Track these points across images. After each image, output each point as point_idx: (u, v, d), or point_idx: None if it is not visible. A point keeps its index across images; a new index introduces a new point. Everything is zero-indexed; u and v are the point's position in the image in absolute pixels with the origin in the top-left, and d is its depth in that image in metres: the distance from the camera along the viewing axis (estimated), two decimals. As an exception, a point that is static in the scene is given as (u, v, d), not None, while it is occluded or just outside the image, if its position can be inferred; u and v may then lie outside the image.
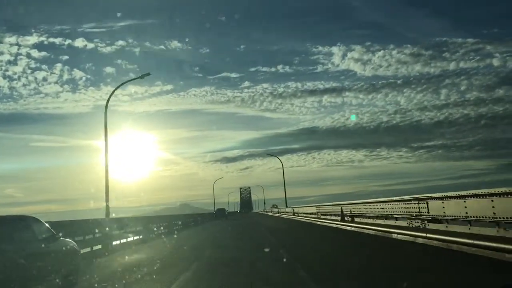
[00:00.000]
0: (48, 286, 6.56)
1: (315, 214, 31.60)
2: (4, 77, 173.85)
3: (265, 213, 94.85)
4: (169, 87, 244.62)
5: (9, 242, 5.95)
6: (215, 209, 67.21)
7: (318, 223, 26.06)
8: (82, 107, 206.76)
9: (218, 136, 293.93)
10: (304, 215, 36.81)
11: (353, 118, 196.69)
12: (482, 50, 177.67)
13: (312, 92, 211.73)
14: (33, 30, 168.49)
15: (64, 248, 7.31)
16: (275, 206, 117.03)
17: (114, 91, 20.10)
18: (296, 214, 42.20)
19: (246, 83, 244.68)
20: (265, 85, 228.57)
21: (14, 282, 5.61)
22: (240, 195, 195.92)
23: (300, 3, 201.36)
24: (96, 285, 7.79)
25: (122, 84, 21.54)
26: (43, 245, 6.60)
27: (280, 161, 59.29)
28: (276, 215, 61.04)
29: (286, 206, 55.84)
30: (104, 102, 19.25)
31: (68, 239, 7.92)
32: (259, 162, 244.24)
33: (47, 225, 7.09)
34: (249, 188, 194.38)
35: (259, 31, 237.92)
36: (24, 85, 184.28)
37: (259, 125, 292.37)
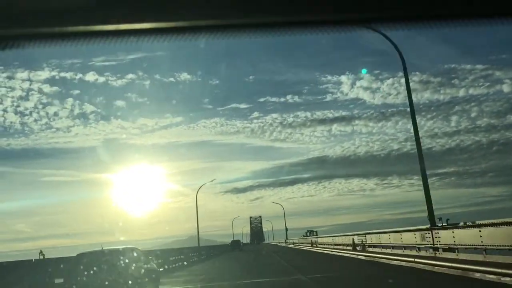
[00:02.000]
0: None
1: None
2: (16, 112, 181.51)
3: (292, 245, 61.80)
4: (179, 119, 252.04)
5: (130, 263, 9.89)
6: (197, 244, 61.84)
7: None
8: (92, 141, 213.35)
9: (228, 167, 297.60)
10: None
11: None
12: (491, 76, 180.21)
13: (322, 121, 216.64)
14: (44, 65, 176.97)
15: (152, 267, 11.23)
16: (311, 233, 78.80)
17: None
18: None
19: (256, 114, 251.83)
20: (274, 115, 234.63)
21: (136, 284, 9.54)
22: (250, 225, 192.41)
23: (308, 33, 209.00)
24: None
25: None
26: (144, 265, 10.55)
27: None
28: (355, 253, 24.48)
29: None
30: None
31: (152, 262, 11.84)
32: (269, 193, 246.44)
33: (142, 252, 11.05)
34: (260, 217, 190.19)
35: (267, 62, 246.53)
36: (35, 120, 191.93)
37: (269, 155, 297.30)
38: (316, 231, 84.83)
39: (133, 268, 9.96)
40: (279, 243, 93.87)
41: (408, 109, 20.17)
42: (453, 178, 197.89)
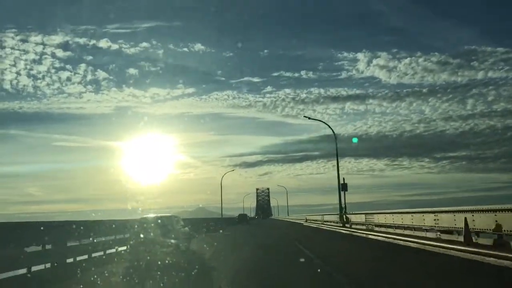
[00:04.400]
0: (183, 244, 15.03)
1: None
2: (29, 76, 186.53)
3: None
4: (191, 90, 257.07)
5: (175, 227, 14.44)
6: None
7: None
8: (104, 108, 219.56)
9: (238, 141, 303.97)
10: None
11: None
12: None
13: (335, 99, 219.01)
14: (58, 30, 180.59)
15: (187, 230, 15.85)
16: None
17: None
18: None
19: (269, 88, 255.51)
20: (287, 91, 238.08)
21: (176, 243, 14.11)
22: (257, 197, 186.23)
23: (326, 8, 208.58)
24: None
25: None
26: (184, 228, 15.14)
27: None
28: None
29: None
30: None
31: (186, 227, 16.48)
32: (278, 168, 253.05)
33: (181, 219, 15.63)
34: (268, 189, 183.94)
35: (283, 36, 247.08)
36: (48, 84, 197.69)
37: (280, 131, 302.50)
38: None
39: (175, 229, 14.50)
40: (306, 221, 56.67)
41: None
42: (464, 162, 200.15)
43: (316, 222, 49.16)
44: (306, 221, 55.66)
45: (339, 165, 37.49)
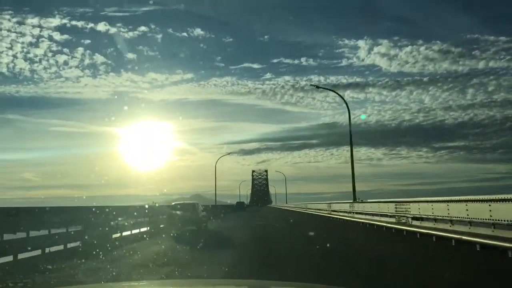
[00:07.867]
0: (203, 224, 19.72)
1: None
2: (26, 59, 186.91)
3: None
4: (189, 75, 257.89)
5: (197, 211, 19.18)
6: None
7: None
8: (102, 93, 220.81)
9: (236, 128, 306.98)
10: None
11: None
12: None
13: (335, 87, 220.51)
14: (55, 12, 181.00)
15: (205, 214, 20.64)
16: None
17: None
18: None
19: (268, 75, 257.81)
20: (287, 78, 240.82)
21: (199, 223, 18.85)
22: (252, 181, 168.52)
23: None
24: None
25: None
26: (203, 212, 19.94)
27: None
28: None
29: None
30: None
31: (204, 211, 21.19)
32: (276, 156, 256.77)
33: (201, 205, 20.39)
34: (266, 172, 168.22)
35: (283, 22, 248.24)
36: (45, 68, 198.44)
37: (278, 119, 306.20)
38: None
39: (197, 212, 19.22)
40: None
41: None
42: (462, 153, 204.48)
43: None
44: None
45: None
